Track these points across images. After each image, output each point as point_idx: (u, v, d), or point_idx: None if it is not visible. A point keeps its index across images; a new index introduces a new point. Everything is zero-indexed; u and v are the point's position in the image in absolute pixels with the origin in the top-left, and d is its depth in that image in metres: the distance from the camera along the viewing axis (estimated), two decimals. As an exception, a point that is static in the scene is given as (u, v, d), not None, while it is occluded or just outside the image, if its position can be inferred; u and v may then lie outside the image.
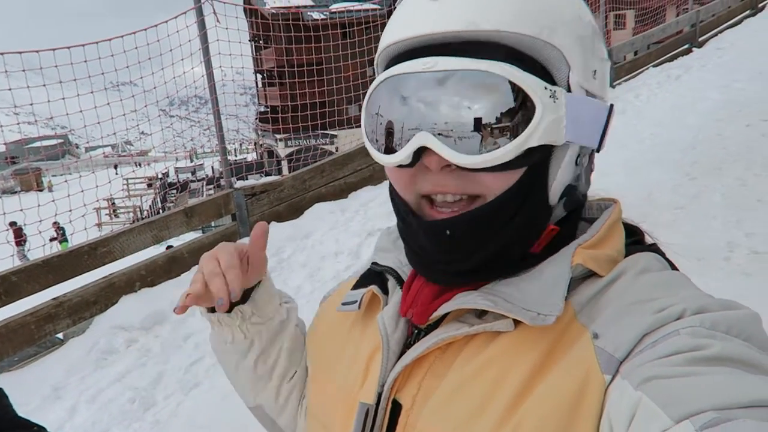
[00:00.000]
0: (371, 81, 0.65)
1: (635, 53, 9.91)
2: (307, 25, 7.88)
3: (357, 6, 14.05)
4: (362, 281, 0.78)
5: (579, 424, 0.50)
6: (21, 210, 4.28)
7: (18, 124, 5.57)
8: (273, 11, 15.09)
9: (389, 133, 0.61)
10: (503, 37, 0.56)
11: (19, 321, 3.57)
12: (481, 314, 0.61)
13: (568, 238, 0.63)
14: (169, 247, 7.54)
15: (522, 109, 0.56)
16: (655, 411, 0.43)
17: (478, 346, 0.60)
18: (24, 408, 3.02)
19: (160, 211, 22.58)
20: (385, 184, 0.68)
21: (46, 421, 2.95)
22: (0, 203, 4.42)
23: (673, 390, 0.44)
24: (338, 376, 0.73)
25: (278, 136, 21.76)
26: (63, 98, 4.96)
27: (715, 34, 10.60)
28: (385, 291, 0.73)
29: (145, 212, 24.61)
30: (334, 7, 20.27)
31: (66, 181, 4.91)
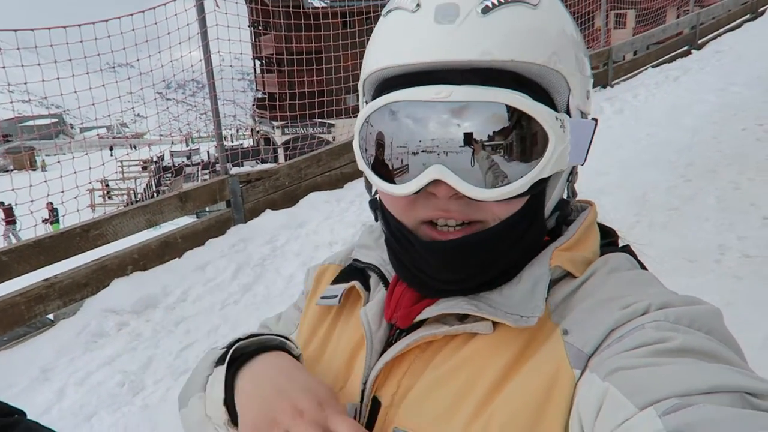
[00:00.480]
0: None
1: (635, 53, 9.91)
2: (307, 13, 7.84)
3: (358, -5, 13.96)
4: (343, 276, 0.78)
5: (548, 417, 0.52)
6: (12, 189, 4.25)
7: (12, 102, 5.50)
8: (273, -3, 14.96)
9: (396, 161, 0.58)
10: (516, 66, 0.56)
11: (9, 301, 3.56)
12: (462, 317, 0.63)
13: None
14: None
15: (536, 141, 0.56)
16: (621, 400, 0.45)
17: (456, 346, 0.61)
18: (12, 390, 3.02)
19: (155, 194, 22.49)
20: None
21: (33, 403, 2.95)
22: (-7, 181, 4.40)
23: (638, 379, 0.46)
24: (318, 377, 0.72)
25: (275, 124, 21.67)
26: (58, 78, 4.92)
27: (715, 37, 10.62)
28: (367, 287, 0.74)
29: (139, 195, 24.50)
30: (335, -5, 20.13)
31: (59, 162, 4.88)
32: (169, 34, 5.35)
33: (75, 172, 4.64)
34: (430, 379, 0.61)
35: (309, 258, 4.41)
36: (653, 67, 9.35)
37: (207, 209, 6.50)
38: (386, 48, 0.60)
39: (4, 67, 4.40)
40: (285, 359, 0.63)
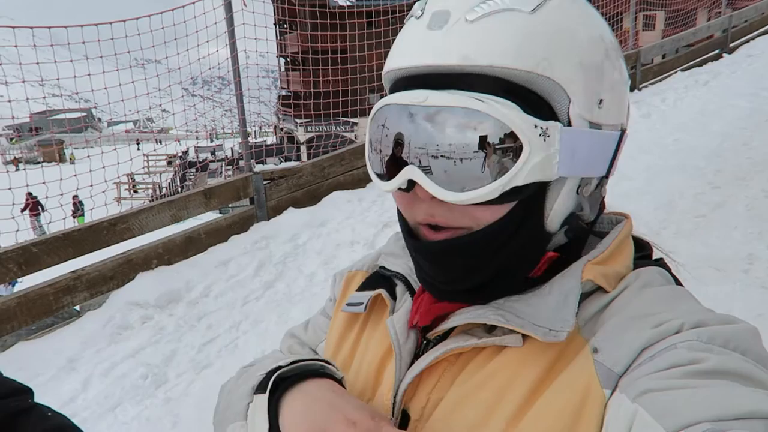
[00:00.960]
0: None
1: (663, 56, 9.75)
2: (332, 12, 7.87)
3: (384, -6, 13.96)
4: (369, 283, 0.78)
5: None
6: (44, 183, 4.35)
7: (44, 97, 5.63)
8: (299, -4, 15.05)
9: (384, 159, 0.62)
10: (502, 72, 0.55)
11: (39, 292, 3.65)
12: (490, 329, 0.62)
13: (570, 263, 0.63)
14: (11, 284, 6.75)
15: (509, 148, 0.55)
16: (651, 423, 0.44)
17: (484, 359, 0.61)
18: (39, 378, 3.09)
19: (179, 189, 22.80)
20: None
21: (60, 392, 3.02)
22: (24, 174, 4.50)
23: (669, 402, 0.44)
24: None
25: (298, 121, 21.80)
26: (89, 74, 5.03)
27: (747, 41, 10.39)
28: (393, 296, 0.73)
29: (164, 190, 24.87)
30: (361, -6, 20.16)
31: (89, 156, 4.98)
32: (197, 32, 5.43)
33: (104, 167, 4.74)
34: (459, 393, 0.60)
35: (330, 257, 4.44)
36: (682, 70, 9.18)
37: (230, 206, 6.58)
38: (392, 52, 0.63)
39: (38, 63, 4.51)
40: (332, 384, 0.62)
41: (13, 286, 6.85)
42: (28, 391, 0.97)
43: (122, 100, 5.22)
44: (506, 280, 0.62)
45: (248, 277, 4.21)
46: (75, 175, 4.56)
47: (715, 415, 0.42)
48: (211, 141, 33.17)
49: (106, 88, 4.96)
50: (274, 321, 3.67)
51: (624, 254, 0.63)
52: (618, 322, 0.55)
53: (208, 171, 25.91)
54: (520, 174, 0.55)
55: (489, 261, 0.60)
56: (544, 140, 0.55)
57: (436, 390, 0.62)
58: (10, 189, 4.23)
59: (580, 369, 0.54)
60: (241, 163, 5.30)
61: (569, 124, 0.57)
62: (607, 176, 0.63)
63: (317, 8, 7.67)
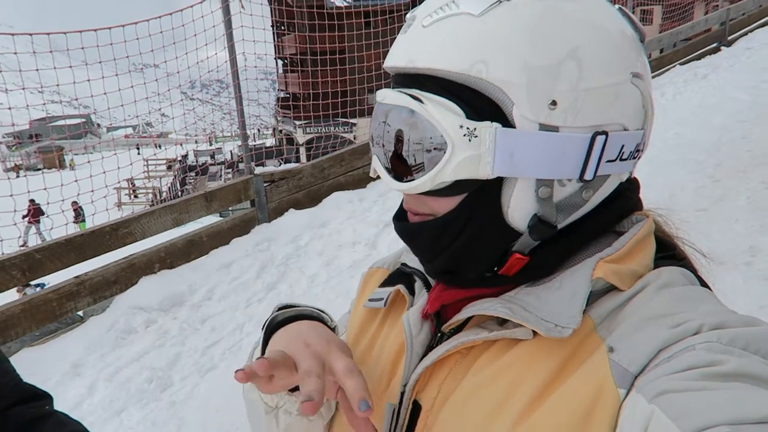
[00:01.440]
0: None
1: (661, 50, 9.74)
2: (330, 13, 7.87)
3: (381, -6, 13.96)
4: (390, 280, 0.81)
5: None
6: (45, 189, 4.36)
7: (44, 104, 5.63)
8: (296, -3, 15.06)
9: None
10: (437, 72, 0.58)
11: (42, 297, 3.66)
12: (503, 321, 0.62)
13: (544, 269, 0.63)
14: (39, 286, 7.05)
15: (436, 145, 0.59)
16: (668, 424, 0.43)
17: (496, 352, 0.61)
18: (45, 384, 3.10)
19: (179, 193, 22.82)
20: None
21: (65, 397, 3.03)
22: (25, 180, 4.51)
23: (686, 403, 0.44)
24: (365, 376, 0.75)
25: (297, 123, 21.81)
26: (89, 80, 5.04)
27: (745, 33, 10.38)
28: (412, 292, 0.75)
29: (164, 194, 24.90)
30: (358, -6, 20.17)
31: (89, 161, 4.99)
32: (195, 35, 5.43)
33: (104, 172, 4.75)
34: (471, 384, 0.61)
35: (332, 257, 4.44)
36: (681, 64, 9.18)
37: (230, 209, 6.59)
38: None
39: (38, 70, 4.52)
40: (318, 324, 0.69)
41: (42, 288, 6.95)
42: (47, 397, 0.98)
43: (122, 105, 5.23)
44: (470, 268, 0.64)
45: (251, 279, 4.22)
46: (76, 181, 4.57)
47: (733, 418, 0.41)
48: (211, 144, 33.20)
49: (105, 93, 4.96)
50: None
51: (643, 253, 0.62)
52: (635, 322, 0.55)
53: (208, 174, 25.93)
54: (444, 170, 0.59)
55: (447, 246, 0.63)
56: (470, 140, 0.57)
57: (447, 381, 0.63)
58: (11, 196, 4.24)
59: (594, 367, 0.54)
60: (241, 165, 5.30)
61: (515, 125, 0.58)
62: (581, 179, 0.60)
63: (315, 9, 7.68)
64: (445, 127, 0.58)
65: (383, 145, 0.64)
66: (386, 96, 0.63)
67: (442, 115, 0.58)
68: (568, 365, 0.56)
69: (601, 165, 0.60)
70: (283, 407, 0.72)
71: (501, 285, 0.64)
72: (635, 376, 0.51)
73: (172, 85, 6.19)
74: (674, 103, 7.28)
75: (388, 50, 0.67)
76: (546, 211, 0.61)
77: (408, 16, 0.64)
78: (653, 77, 8.65)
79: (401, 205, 0.70)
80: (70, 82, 4.94)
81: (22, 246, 6.53)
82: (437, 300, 0.69)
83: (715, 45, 9.95)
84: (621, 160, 0.62)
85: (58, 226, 4.35)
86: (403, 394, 0.67)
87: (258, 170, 5.27)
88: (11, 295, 3.68)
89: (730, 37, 10.10)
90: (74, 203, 7.91)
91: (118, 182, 5.03)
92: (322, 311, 0.75)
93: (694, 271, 0.64)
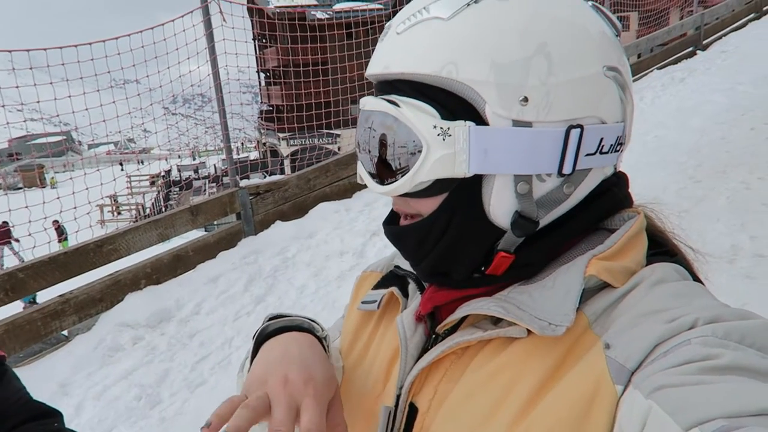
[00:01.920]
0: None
1: (639, 56, 9.91)
2: (311, 25, 7.90)
3: (361, 6, 14.06)
4: (383, 282, 0.81)
5: None
6: (27, 207, 4.30)
7: (24, 121, 5.57)
8: (277, 10, 15.11)
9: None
10: (410, 76, 0.60)
11: (26, 317, 3.60)
12: (497, 321, 0.62)
13: (531, 266, 0.63)
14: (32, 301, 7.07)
15: (414, 147, 0.60)
16: (665, 419, 0.44)
17: (492, 351, 0.61)
18: (31, 404, 3.05)
19: (163, 209, 22.61)
20: None
21: (53, 417, 2.97)
22: (6, 199, 4.45)
23: (683, 398, 0.44)
24: (358, 382, 0.75)
25: (281, 135, 21.77)
26: (69, 96, 4.99)
27: (720, 37, 10.60)
28: (406, 294, 0.76)
29: (148, 210, 24.65)
30: (338, 6, 20.29)
31: (71, 178, 4.93)
32: (177, 49, 5.41)
33: (87, 188, 4.69)
34: (467, 385, 0.61)
35: (320, 268, 4.43)
36: (658, 69, 9.34)
37: (215, 223, 6.55)
38: None
39: (17, 87, 4.47)
40: (305, 336, 0.69)
41: (34, 300, 6.89)
42: (57, 414, 0.98)
43: (104, 121, 5.18)
44: (458, 268, 0.64)
45: (238, 292, 4.19)
46: (58, 198, 4.51)
47: (729, 411, 0.41)
48: (194, 159, 32.98)
49: (86, 109, 4.93)
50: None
51: (635, 250, 0.63)
52: (631, 318, 0.55)
53: (192, 189, 25.74)
54: (421, 170, 0.60)
55: (433, 246, 0.64)
56: (444, 139, 0.59)
57: (443, 383, 0.63)
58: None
59: (591, 364, 0.54)
60: (226, 179, 5.28)
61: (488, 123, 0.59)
62: (560, 173, 0.60)
63: (296, 21, 7.70)
64: (419, 128, 0.59)
65: (369, 151, 0.65)
66: (367, 103, 0.65)
67: (416, 117, 0.59)
68: (564, 363, 0.56)
69: (580, 159, 0.60)
70: None
71: (490, 285, 0.65)
72: (632, 372, 0.51)
73: (154, 100, 6.15)
74: (653, 107, 7.41)
75: (369, 60, 0.68)
76: (526, 206, 0.61)
77: (386, 26, 0.66)
78: (632, 82, 8.80)
79: (392, 209, 0.71)
80: (51, 99, 4.89)
81: (-2, 269, 6.41)
82: (430, 301, 0.69)
83: (691, 49, 10.15)
84: (601, 153, 0.62)
85: (41, 245, 4.28)
86: (399, 396, 0.67)
87: (243, 183, 5.26)
88: (6, 311, 3.61)
89: (705, 41, 10.31)
90: (55, 222, 7.79)
91: (101, 198, 4.97)
92: (312, 320, 0.76)
93: (688, 266, 0.65)
